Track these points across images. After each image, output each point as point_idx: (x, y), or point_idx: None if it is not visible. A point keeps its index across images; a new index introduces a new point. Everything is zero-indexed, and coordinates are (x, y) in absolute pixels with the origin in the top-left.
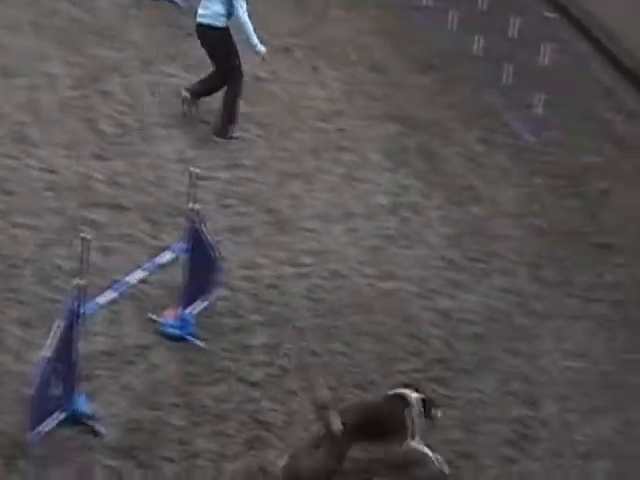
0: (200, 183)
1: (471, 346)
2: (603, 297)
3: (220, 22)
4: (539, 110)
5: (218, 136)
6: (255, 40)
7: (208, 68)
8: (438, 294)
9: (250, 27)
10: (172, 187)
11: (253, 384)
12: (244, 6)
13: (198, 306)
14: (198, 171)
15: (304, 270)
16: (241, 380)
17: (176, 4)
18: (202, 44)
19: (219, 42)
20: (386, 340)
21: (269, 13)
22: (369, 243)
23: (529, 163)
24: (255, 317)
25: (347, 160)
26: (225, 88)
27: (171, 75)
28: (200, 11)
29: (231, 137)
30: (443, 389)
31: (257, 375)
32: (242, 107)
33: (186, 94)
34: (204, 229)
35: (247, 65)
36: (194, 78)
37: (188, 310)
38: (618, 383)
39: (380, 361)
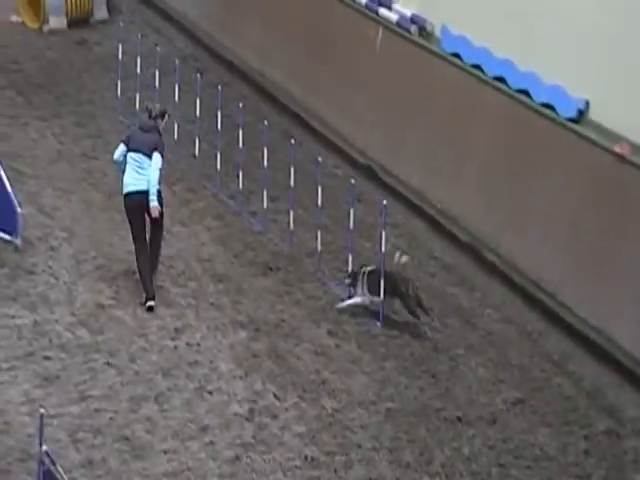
0: (49, 422)
1: None
2: (463, 470)
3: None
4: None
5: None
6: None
7: (53, 306)
8: None
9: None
10: (21, 431)
11: None
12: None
13: None
14: (43, 411)
15: None
16: None
17: (11, 242)
18: (138, 212)
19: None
20: None
21: (112, 235)
22: (227, 454)
23: (378, 348)
24: None
25: (199, 374)
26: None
27: (12, 316)
28: (134, 181)
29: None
30: None
31: None
32: (86, 336)
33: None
34: (56, 470)
35: (89, 294)
36: (37, 317)
37: None
38: None
39: None
